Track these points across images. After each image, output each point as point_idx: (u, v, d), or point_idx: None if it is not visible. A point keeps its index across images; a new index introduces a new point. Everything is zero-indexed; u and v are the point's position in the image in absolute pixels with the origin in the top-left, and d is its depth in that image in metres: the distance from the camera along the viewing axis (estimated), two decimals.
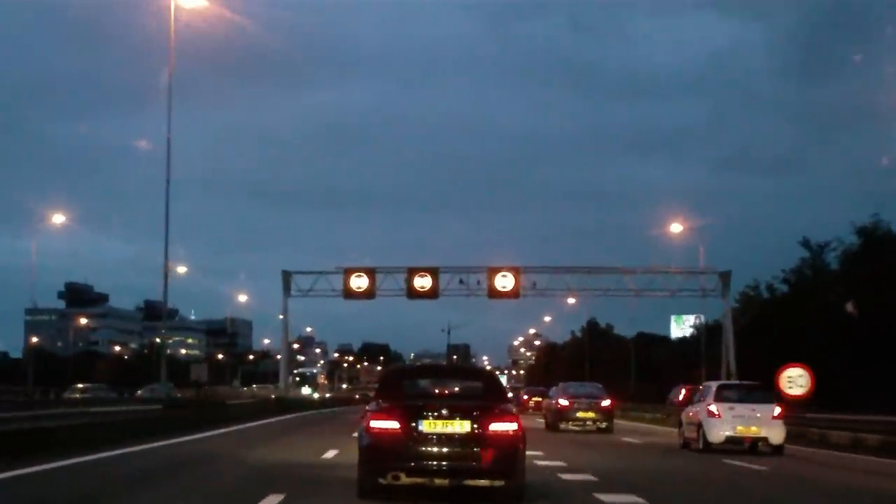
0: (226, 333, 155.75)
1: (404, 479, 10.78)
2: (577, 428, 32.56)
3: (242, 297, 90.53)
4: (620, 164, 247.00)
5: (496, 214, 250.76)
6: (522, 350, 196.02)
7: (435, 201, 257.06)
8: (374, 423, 10.86)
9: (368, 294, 51.06)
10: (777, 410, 23.07)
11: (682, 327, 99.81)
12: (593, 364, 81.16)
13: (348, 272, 50.91)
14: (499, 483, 10.93)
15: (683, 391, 44.97)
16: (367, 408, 11.91)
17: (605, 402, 33.35)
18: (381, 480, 10.89)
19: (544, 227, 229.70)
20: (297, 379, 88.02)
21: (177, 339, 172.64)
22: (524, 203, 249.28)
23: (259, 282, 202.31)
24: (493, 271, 50.52)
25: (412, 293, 50.50)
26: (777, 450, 22.61)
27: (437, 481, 10.94)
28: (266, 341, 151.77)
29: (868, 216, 50.40)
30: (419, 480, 10.88)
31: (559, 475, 15.13)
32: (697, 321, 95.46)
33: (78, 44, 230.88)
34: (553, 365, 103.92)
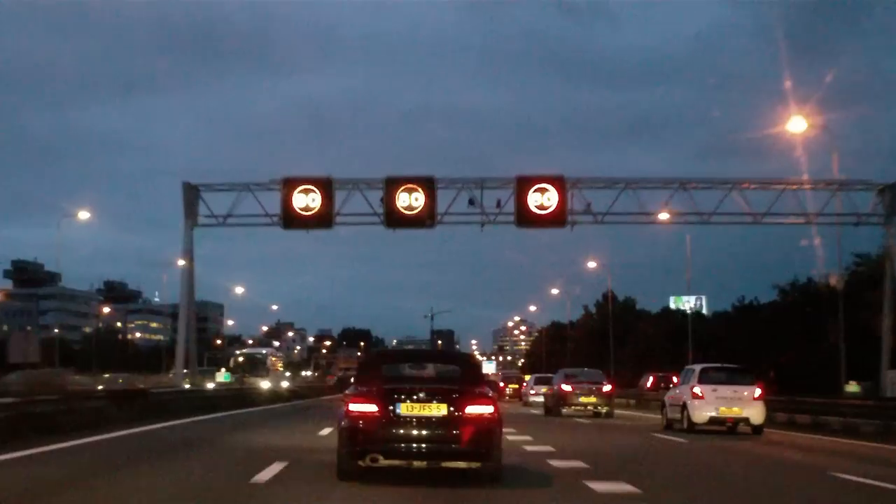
0: (196, 318, 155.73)
1: (382, 461, 11.74)
2: (578, 412, 35.53)
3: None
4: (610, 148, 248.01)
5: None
6: (517, 332, 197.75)
7: None
8: (353, 407, 11.86)
9: (322, 219, 36.01)
10: (758, 392, 25.16)
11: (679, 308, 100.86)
12: (618, 344, 71.10)
13: (290, 185, 35.95)
14: (476, 465, 11.95)
15: (651, 378, 50.13)
16: (346, 391, 13.17)
17: (606, 388, 36.91)
18: (360, 462, 11.81)
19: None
20: (241, 360, 79.84)
21: (139, 322, 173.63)
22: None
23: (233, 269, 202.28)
24: (525, 184, 35.74)
25: (395, 218, 35.51)
26: (756, 430, 24.71)
27: (416, 463, 11.92)
28: (230, 322, 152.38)
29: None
30: (397, 462, 11.89)
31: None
32: (698, 303, 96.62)
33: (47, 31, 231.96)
34: (561, 348, 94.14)
